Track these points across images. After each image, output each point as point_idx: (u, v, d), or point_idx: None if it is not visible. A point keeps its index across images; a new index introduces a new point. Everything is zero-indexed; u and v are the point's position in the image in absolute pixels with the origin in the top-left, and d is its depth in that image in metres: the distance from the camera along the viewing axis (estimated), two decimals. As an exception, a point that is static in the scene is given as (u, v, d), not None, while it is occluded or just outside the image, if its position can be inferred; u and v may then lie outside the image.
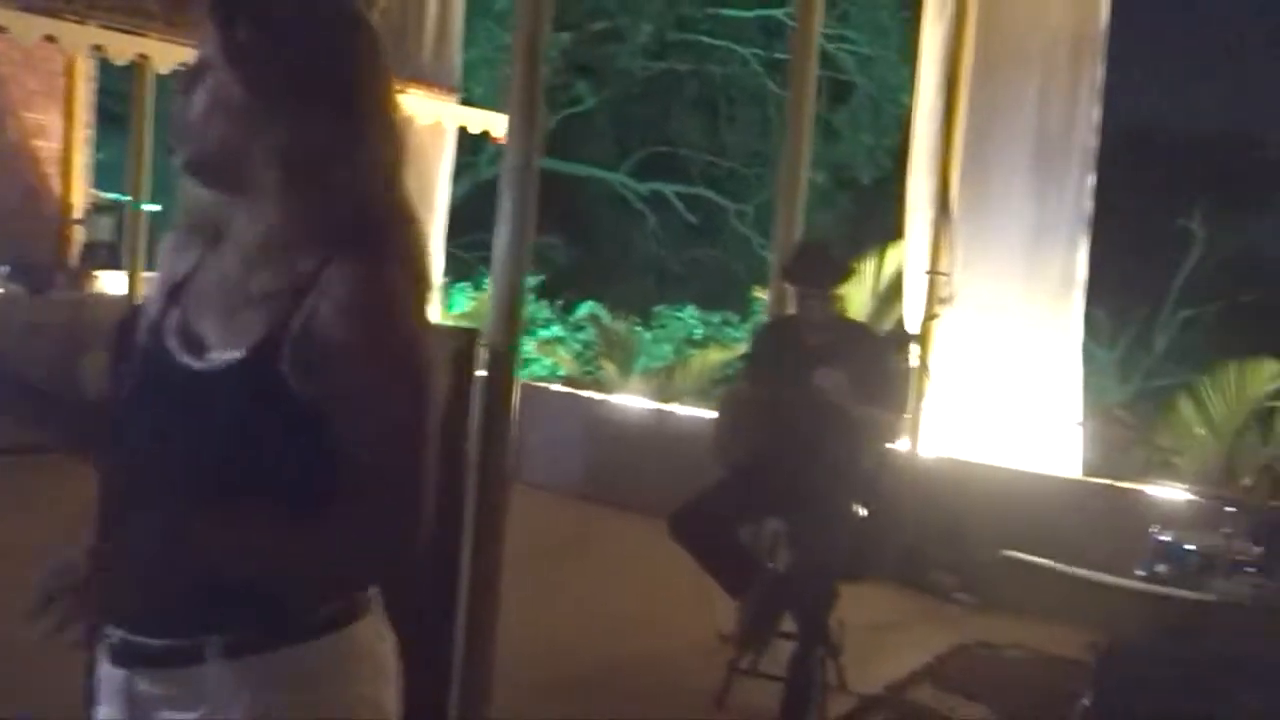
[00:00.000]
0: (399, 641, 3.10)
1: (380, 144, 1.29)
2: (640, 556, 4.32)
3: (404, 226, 1.32)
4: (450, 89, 6.79)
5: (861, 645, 4.57)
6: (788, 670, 3.84)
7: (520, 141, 3.17)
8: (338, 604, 1.34)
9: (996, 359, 5.65)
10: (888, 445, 5.28)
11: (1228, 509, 3.60)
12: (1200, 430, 6.06)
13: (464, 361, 3.21)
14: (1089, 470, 5.57)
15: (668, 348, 10.10)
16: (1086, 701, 3.64)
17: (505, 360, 3.21)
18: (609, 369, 8.43)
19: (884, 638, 4.81)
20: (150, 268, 7.93)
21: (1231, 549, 3.61)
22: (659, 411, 6.74)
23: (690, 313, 10.78)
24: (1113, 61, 5.48)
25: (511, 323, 3.21)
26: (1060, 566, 1.54)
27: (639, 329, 10.41)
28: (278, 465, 1.26)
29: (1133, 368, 12.45)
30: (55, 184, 7.57)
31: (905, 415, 4.01)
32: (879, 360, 3.89)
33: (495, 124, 7.14)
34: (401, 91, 6.23)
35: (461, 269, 13.09)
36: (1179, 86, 18.50)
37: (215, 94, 1.24)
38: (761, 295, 7.71)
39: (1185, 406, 6.25)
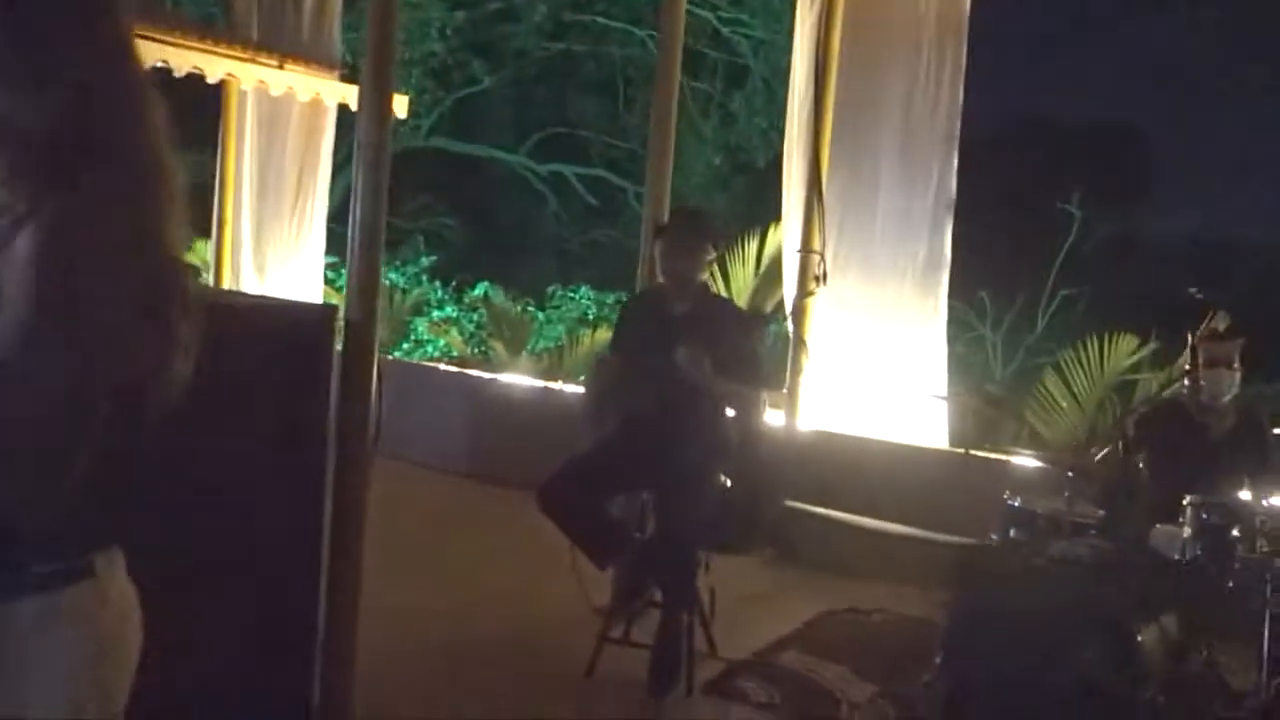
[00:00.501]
0: (263, 617, 3.10)
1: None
2: (523, 532, 4.37)
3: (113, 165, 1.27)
4: (330, 65, 6.70)
5: (734, 614, 4.71)
6: (655, 637, 3.94)
7: (372, 117, 3.17)
8: (50, 566, 1.34)
9: (868, 336, 5.83)
10: (753, 418, 5.43)
11: (1069, 475, 3.78)
12: (1064, 403, 6.33)
13: (323, 337, 3.22)
14: (960, 442, 5.78)
15: (561, 328, 10.14)
16: (938, 659, 3.82)
17: (363, 335, 3.22)
18: (498, 349, 8.44)
19: (757, 607, 4.95)
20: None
21: (1073, 512, 3.80)
22: (545, 389, 6.79)
23: (585, 293, 10.84)
24: (1005, 50, 5.68)
25: (368, 298, 3.22)
26: (845, 516, 1.61)
27: (533, 310, 10.43)
28: None
29: (1016, 346, 12.87)
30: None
31: (766, 390, 4.11)
32: (740, 337, 3.99)
33: (397, 104, 7.08)
34: (278, 67, 6.15)
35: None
36: (1068, 76, 19.13)
37: None
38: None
39: (1051, 381, 6.51)
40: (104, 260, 1.24)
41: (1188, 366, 3.79)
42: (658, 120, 4.82)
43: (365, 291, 3.21)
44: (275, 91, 6.31)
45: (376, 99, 3.22)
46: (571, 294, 11.08)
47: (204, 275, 8.37)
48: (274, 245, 7.25)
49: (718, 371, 3.83)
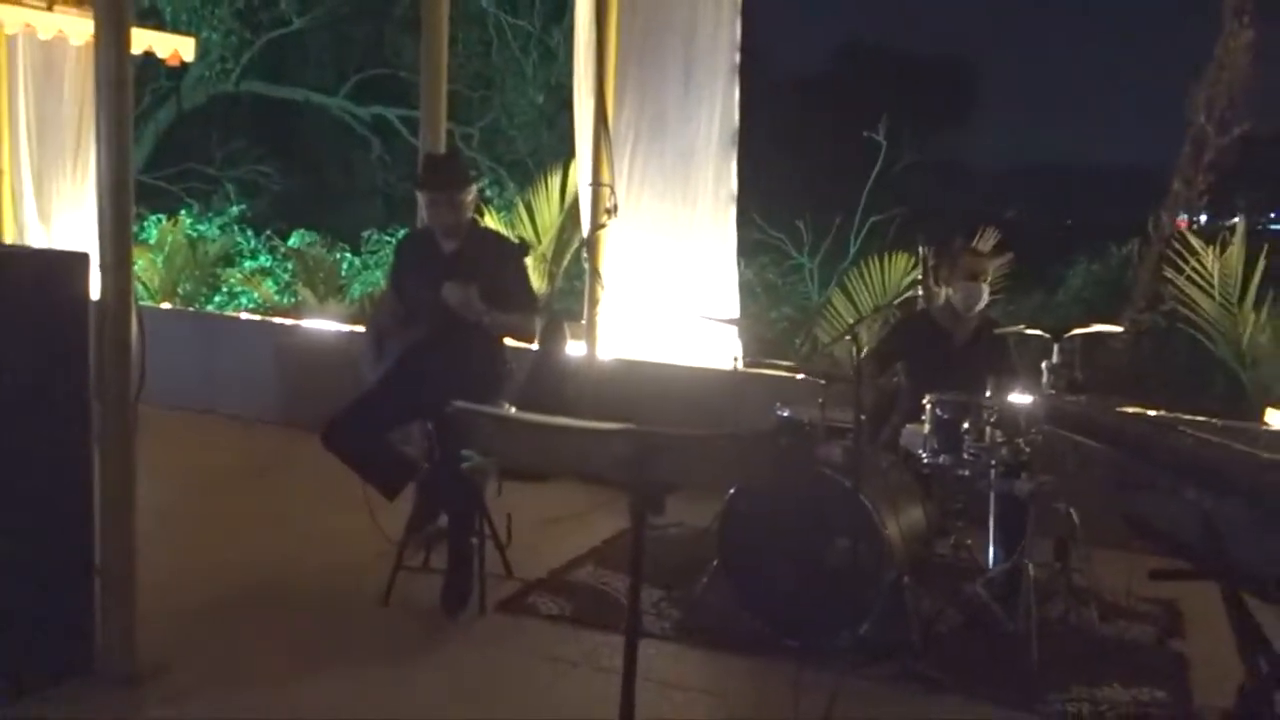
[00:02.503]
0: (37, 564, 3.08)
1: None
2: (327, 476, 4.43)
3: None
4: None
5: (538, 537, 4.90)
6: (447, 562, 4.09)
7: (110, 52, 3.12)
8: None
9: (663, 265, 6.03)
10: (554, 350, 5.59)
11: (823, 384, 4.06)
12: (849, 319, 6.68)
13: (74, 284, 3.20)
14: (753, 362, 6.06)
15: (378, 273, 10.05)
16: (715, 561, 4.08)
17: (118, 280, 3.21)
18: (307, 296, 8.35)
19: (561, 529, 5.14)
20: None
21: (829, 418, 4.09)
22: (351, 334, 6.78)
23: (403, 237, 10.72)
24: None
25: (120, 242, 3.21)
26: (507, 413, 1.73)
27: (348, 255, 10.29)
28: None
29: (831, 272, 13.36)
30: None
31: (534, 316, 4.25)
32: (505, 266, 4.11)
33: (184, 46, 6.85)
34: (46, 8, 5.87)
35: (167, 200, 12.47)
36: (898, 7, 19.68)
37: None
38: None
39: (839, 300, 6.86)
40: None
41: (919, 277, 4.10)
42: (429, 54, 4.82)
43: (117, 236, 3.19)
44: (44, 35, 6.04)
45: (114, 34, 3.16)
46: (389, 237, 10.96)
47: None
48: (57, 196, 6.98)
49: (486, 302, 3.95)
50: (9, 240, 6.91)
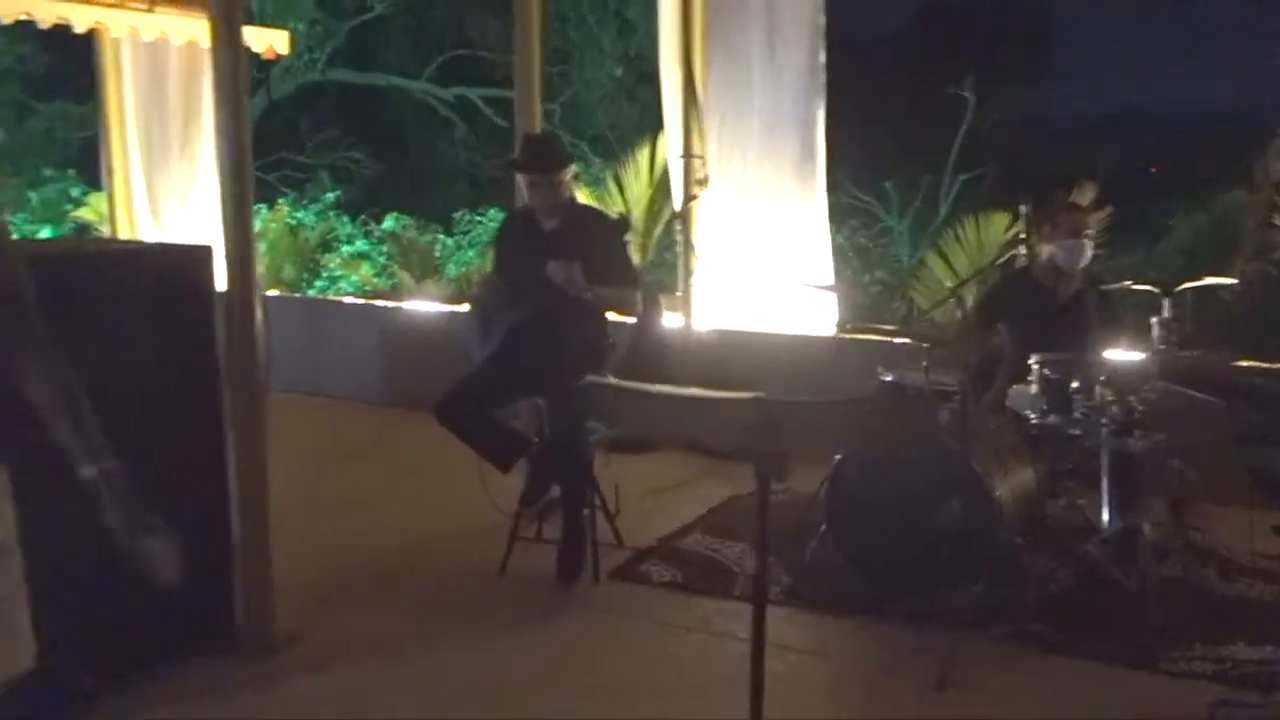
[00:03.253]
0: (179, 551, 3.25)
1: None
2: (437, 452, 4.57)
3: None
4: (204, 6, 6.63)
5: (646, 507, 4.98)
6: (560, 532, 4.19)
7: (226, 51, 3.24)
8: None
9: (754, 233, 6.03)
10: (650, 323, 5.65)
11: (927, 348, 4.05)
12: (948, 282, 6.62)
13: (200, 275, 3.35)
14: (848, 329, 6.04)
15: (473, 253, 10.22)
16: (824, 527, 4.12)
17: (242, 269, 3.34)
18: (405, 278, 8.53)
19: (667, 498, 5.21)
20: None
21: (933, 382, 4.08)
22: (451, 314, 6.92)
23: (494, 215, 10.88)
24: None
25: (243, 233, 3.34)
26: (637, 385, 1.77)
27: (442, 237, 10.47)
28: None
29: (921, 234, 13.19)
30: None
31: (636, 290, 4.31)
32: (606, 242, 4.17)
33: (278, 40, 7.04)
34: (147, 10, 6.08)
35: (262, 189, 12.80)
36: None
37: None
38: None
39: (934, 262, 6.80)
40: None
41: (1022, 235, 4.04)
42: (522, 35, 4.89)
43: (238, 223, 3.32)
44: (148, 37, 6.26)
45: (230, 33, 3.29)
46: (480, 218, 11.12)
47: (100, 229, 8.35)
48: (166, 192, 7.25)
49: (589, 278, 4.03)
50: (124, 236, 7.20)
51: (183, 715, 3.18)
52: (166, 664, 3.35)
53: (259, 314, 3.39)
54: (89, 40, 6.84)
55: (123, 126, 7.06)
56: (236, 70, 3.24)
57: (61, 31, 6.05)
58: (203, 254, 3.36)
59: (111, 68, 6.95)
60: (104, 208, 7.36)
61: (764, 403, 1.83)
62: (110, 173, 7.11)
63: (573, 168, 4.19)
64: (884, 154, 13.86)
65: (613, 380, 1.95)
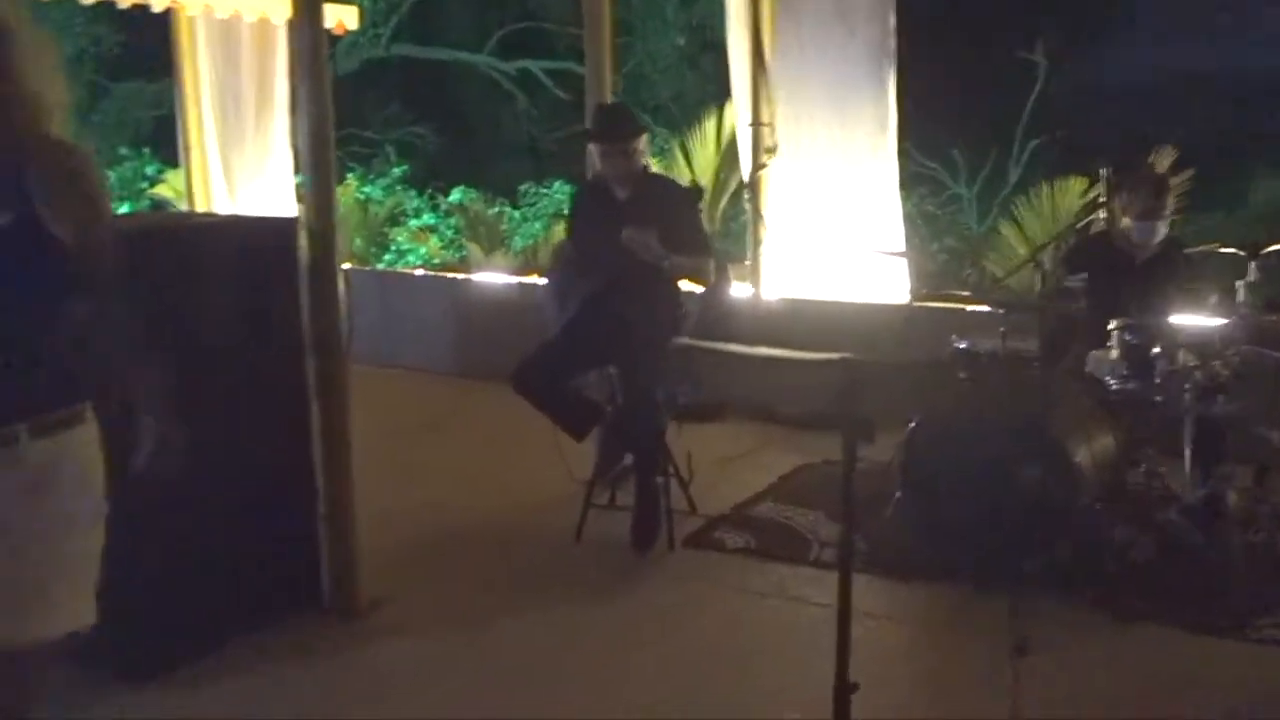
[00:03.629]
0: (265, 519, 3.35)
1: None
2: (511, 421, 4.64)
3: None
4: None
5: (717, 475, 5.01)
6: (635, 499, 4.24)
7: (307, 27, 3.30)
8: (61, 413, 1.86)
9: (824, 201, 5.99)
10: (718, 292, 5.64)
11: (1003, 313, 4.01)
12: (1021, 249, 6.52)
13: (285, 246, 3.42)
14: (919, 295, 5.99)
15: (538, 225, 10.26)
16: (899, 494, 4.11)
17: (324, 243, 3.41)
18: (474, 250, 8.61)
19: (739, 466, 5.23)
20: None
21: (1009, 348, 4.04)
22: (520, 285, 6.98)
23: (559, 187, 10.91)
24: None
25: (326, 205, 3.41)
26: (731, 346, 1.79)
27: (508, 209, 10.53)
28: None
29: (990, 201, 12.97)
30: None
31: (710, 259, 4.31)
32: (679, 211, 4.18)
33: (348, 15, 7.12)
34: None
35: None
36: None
37: None
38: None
39: (1007, 229, 6.70)
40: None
41: (1102, 199, 3.97)
42: (590, 5, 4.89)
43: (320, 197, 3.39)
44: (221, 14, 6.37)
45: (311, 10, 3.34)
46: (545, 190, 11.15)
47: (177, 205, 8.54)
48: (241, 167, 7.38)
49: (664, 246, 4.04)
50: (201, 211, 7.36)
51: (272, 674, 3.28)
52: (257, 626, 3.45)
53: (341, 286, 3.45)
54: (162, 20, 6.97)
55: (198, 104, 7.19)
56: (317, 46, 3.30)
57: (138, 12, 6.17)
58: (287, 226, 3.43)
59: (187, 46, 7.07)
60: (181, 184, 7.52)
61: (851, 363, 1.84)
62: (187, 149, 7.25)
63: (645, 136, 4.20)
64: (952, 120, 13.64)
65: (701, 342, 1.97)
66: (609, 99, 4.91)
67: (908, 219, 9.72)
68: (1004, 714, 2.67)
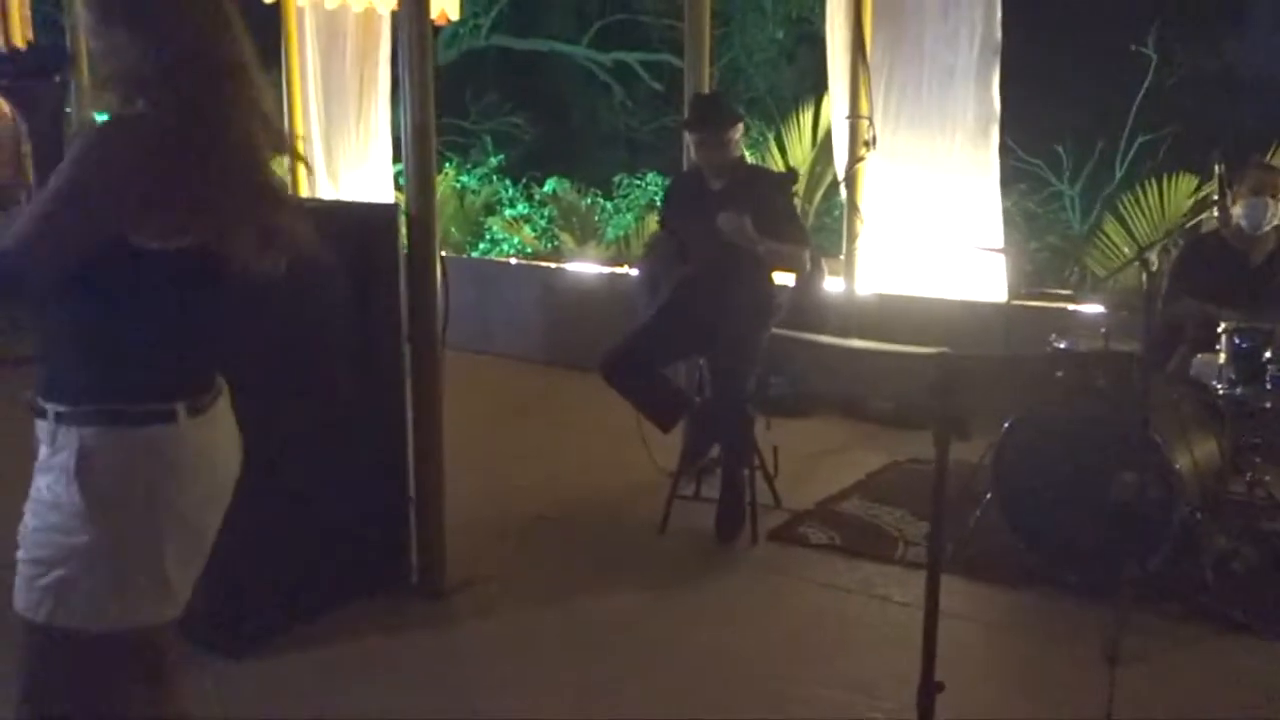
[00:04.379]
0: (361, 496, 3.42)
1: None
2: (598, 410, 4.68)
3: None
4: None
5: (804, 470, 4.99)
6: (720, 491, 4.24)
7: (413, 18, 3.36)
8: (146, 406, 1.83)
9: (923, 196, 5.90)
10: (812, 285, 5.60)
11: (1103, 313, 3.91)
12: (1126, 248, 6.34)
13: (388, 231, 3.50)
14: (1017, 294, 5.86)
15: (630, 216, 10.29)
16: (989, 494, 4.04)
17: (424, 230, 3.48)
18: (567, 240, 8.67)
19: (826, 462, 5.21)
20: None
21: (1109, 348, 3.93)
22: (612, 275, 7.02)
23: (653, 179, 10.93)
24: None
25: (426, 193, 3.47)
26: (824, 339, 1.77)
27: (601, 200, 10.59)
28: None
29: (1094, 199, 12.61)
30: None
31: (805, 247, 4.28)
32: (774, 198, 4.16)
33: (450, 6, 7.24)
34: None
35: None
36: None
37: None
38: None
39: (1111, 227, 6.51)
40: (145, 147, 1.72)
41: (1215, 197, 3.84)
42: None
43: (421, 185, 3.45)
44: (330, 4, 6.52)
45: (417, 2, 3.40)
46: (638, 181, 11.18)
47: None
48: (344, 155, 7.56)
49: (758, 232, 4.03)
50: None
51: (358, 649, 3.37)
52: (347, 603, 3.55)
53: (438, 273, 3.52)
54: (272, 11, 7.16)
55: (304, 93, 7.38)
56: (424, 37, 3.36)
57: (250, 2, 6.36)
58: (389, 213, 3.51)
59: (293, 36, 7.26)
60: (284, 170, 7.73)
61: (948, 358, 1.82)
62: (293, 138, 7.45)
63: (740, 126, 4.19)
64: (1056, 115, 13.29)
65: (795, 333, 1.96)
66: (707, 88, 4.90)
67: (1006, 216, 9.53)
68: (1093, 722, 2.61)
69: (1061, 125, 12.76)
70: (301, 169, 7.41)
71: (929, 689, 2.10)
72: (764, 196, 4.14)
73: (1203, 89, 15.18)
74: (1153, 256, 3.30)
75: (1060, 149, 12.53)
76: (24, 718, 1.89)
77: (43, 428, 1.85)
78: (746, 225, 3.99)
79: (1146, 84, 12.01)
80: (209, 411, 1.90)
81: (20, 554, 1.86)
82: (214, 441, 1.93)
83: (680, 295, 4.24)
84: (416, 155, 3.43)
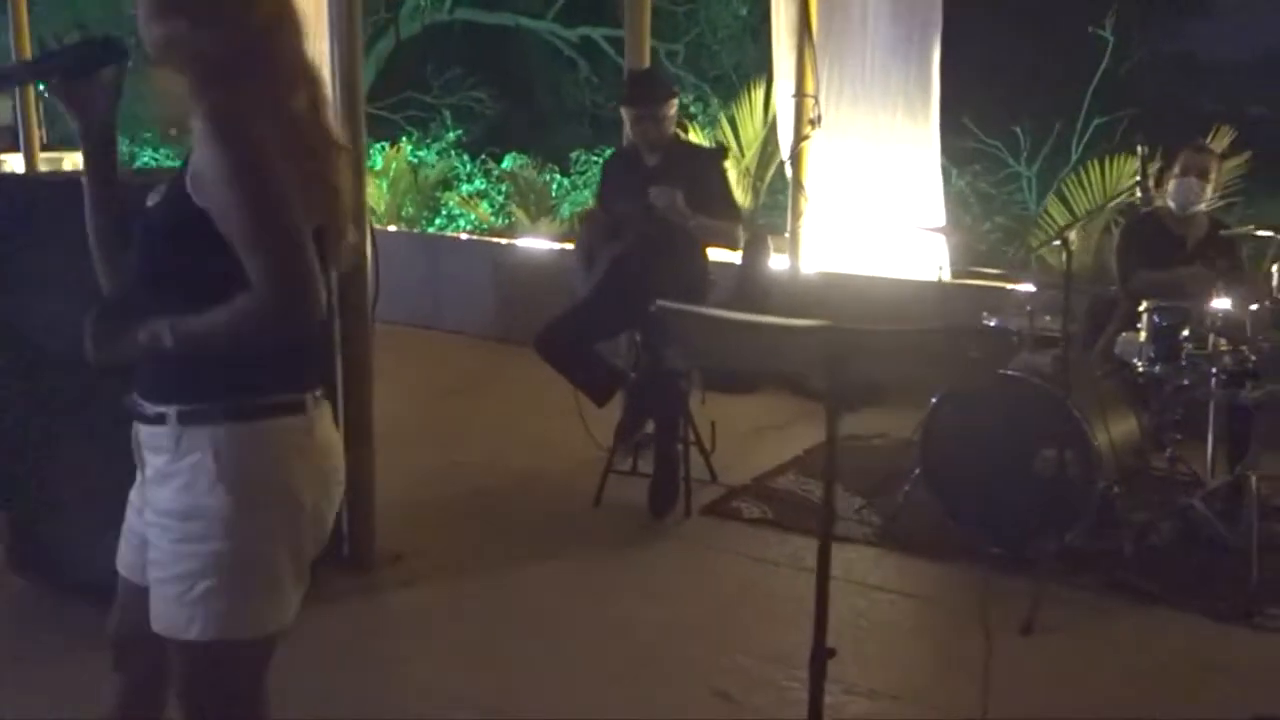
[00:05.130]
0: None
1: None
2: (541, 387, 4.69)
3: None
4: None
5: (743, 446, 5.04)
6: (653, 466, 4.27)
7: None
8: (275, 398, 1.77)
9: (865, 174, 5.94)
10: (756, 263, 5.63)
11: (1028, 291, 3.96)
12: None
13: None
14: (962, 272, 5.93)
15: (587, 192, 10.27)
16: (917, 470, 4.10)
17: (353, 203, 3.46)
18: (520, 216, 8.66)
19: (764, 438, 5.26)
20: (47, 147, 8.04)
21: (1035, 326, 4.00)
22: (562, 251, 7.02)
23: (610, 155, 10.90)
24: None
25: (354, 169, 3.45)
26: (713, 311, 1.80)
27: (559, 176, 10.56)
28: (196, 268, 1.72)
29: (1052, 180, 12.71)
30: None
31: (738, 223, 4.30)
32: (707, 174, 4.18)
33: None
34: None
35: (389, 128, 13.10)
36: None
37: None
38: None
39: (1055, 208, 6.58)
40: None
41: (1139, 177, 3.89)
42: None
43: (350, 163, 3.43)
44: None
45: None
46: (596, 158, 11.16)
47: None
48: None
49: (690, 208, 4.05)
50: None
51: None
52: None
53: (368, 246, 3.50)
54: None
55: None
56: (351, 8, 3.35)
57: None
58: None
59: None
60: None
61: (831, 330, 1.85)
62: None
63: (675, 102, 4.21)
64: (1016, 96, 13.36)
65: (682, 306, 1.99)
66: (645, 65, 4.91)
67: (960, 196, 9.59)
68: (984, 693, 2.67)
69: (1021, 107, 12.85)
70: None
71: (820, 655, 2.14)
72: (697, 173, 4.16)
73: (1162, 72, 15.34)
74: (1072, 235, 3.35)
75: (1019, 130, 12.61)
76: None
77: (157, 435, 1.76)
78: (678, 200, 4.02)
79: (1103, 67, 12.09)
80: (324, 400, 1.85)
81: (155, 574, 1.78)
82: (332, 429, 1.88)
83: (614, 271, 4.26)
84: (346, 131, 3.41)
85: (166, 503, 1.76)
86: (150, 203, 1.82)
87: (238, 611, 1.76)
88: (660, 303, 1.94)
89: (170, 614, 1.76)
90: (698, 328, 2.03)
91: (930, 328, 1.87)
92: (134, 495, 1.90)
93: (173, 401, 1.75)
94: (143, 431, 1.81)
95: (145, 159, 12.12)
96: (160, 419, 1.76)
